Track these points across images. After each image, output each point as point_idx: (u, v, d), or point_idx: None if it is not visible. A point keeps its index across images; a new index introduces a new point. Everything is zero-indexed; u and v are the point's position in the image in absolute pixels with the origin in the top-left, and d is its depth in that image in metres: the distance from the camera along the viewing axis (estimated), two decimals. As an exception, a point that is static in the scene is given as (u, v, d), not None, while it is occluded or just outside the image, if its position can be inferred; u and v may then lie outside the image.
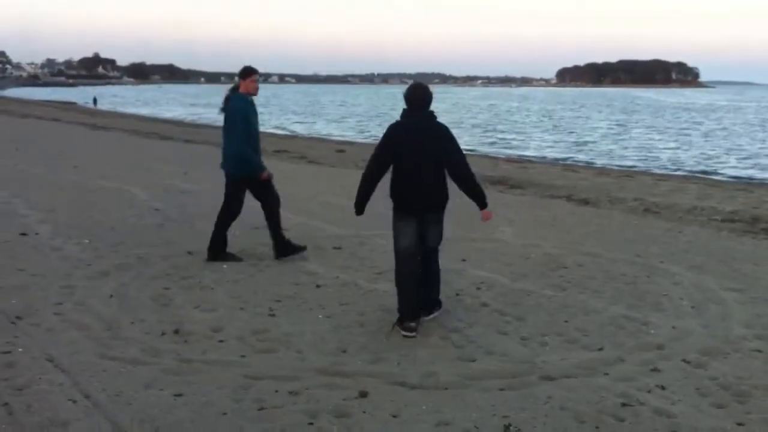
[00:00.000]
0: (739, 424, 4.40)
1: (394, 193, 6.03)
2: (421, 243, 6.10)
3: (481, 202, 6.22)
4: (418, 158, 5.89)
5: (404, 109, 6.07)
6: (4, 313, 6.17)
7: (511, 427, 4.27)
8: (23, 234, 9.28)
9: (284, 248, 8.26)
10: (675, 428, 4.32)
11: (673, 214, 12.39)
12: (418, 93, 6.01)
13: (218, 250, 8.20)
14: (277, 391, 4.71)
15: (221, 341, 5.66)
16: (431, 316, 6.26)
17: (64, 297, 6.66)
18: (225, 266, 7.92)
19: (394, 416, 4.41)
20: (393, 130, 6.03)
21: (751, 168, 25.54)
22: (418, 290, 6.05)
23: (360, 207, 6.14)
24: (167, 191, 13.25)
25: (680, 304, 6.86)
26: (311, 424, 4.29)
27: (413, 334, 5.82)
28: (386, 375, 5.03)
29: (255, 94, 7.99)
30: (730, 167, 25.61)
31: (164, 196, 12.71)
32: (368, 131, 43.29)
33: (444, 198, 6.13)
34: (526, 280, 7.60)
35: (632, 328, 6.13)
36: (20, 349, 5.37)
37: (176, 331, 5.82)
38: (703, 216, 12.31)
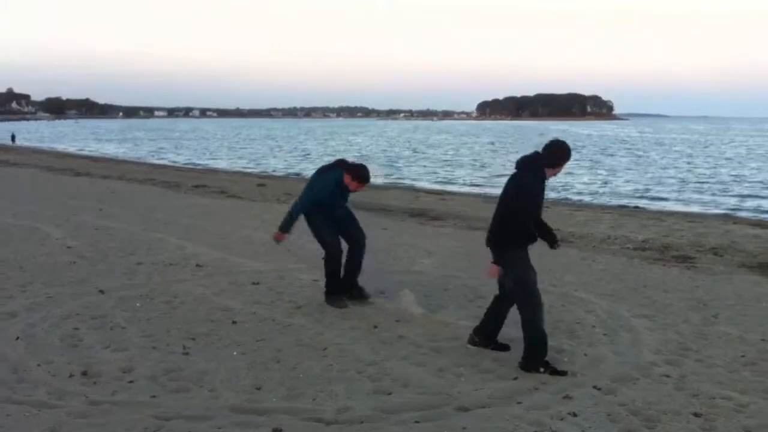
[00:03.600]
0: (648, 449, 4.50)
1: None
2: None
3: (494, 254, 6.00)
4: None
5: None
6: None
7: (425, 460, 4.27)
8: (-75, 276, 8.90)
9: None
10: (586, 455, 4.38)
11: (587, 243, 12.69)
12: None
13: (335, 292, 7.96)
14: (188, 432, 4.61)
15: (131, 381, 5.51)
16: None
17: (-34, 340, 6.40)
18: (138, 304, 7.73)
19: (308, 453, 4.35)
20: None
21: (663, 197, 26.41)
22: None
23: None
24: (80, 228, 12.92)
25: (593, 332, 7.00)
26: (223, 464, 4.20)
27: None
28: (301, 411, 4.98)
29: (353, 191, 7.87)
30: (645, 197, 26.39)
31: (77, 233, 12.39)
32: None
33: (502, 238, 5.94)
34: (444, 312, 7.65)
35: (547, 356, 6.21)
36: None
37: (84, 373, 5.64)
38: (616, 245, 12.64)
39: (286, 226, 7.71)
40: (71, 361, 5.93)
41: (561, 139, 6.19)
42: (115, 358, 6.04)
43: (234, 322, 7.17)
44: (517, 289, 5.99)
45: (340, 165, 7.84)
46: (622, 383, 5.62)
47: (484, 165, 44.01)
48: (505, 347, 6.33)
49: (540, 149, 6.02)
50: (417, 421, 4.83)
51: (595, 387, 5.52)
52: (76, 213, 15.03)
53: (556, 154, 6.00)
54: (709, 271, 10.34)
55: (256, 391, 5.36)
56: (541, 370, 5.85)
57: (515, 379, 5.70)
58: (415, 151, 61.79)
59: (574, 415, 4.98)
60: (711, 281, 9.56)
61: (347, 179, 7.70)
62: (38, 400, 5.11)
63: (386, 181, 31.57)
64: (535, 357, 5.91)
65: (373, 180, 8.09)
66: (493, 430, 4.68)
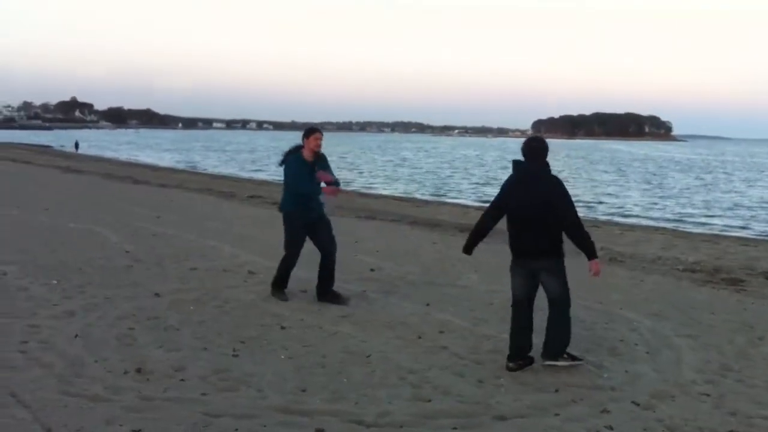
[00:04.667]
0: (681, 464, 4.57)
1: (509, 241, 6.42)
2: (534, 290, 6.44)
3: (589, 253, 6.26)
4: (526, 208, 6.20)
5: (515, 161, 6.46)
6: (-32, 351, 6.22)
7: (460, 464, 4.41)
8: (-9, 274, 9.32)
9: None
10: (619, 466, 4.48)
11: (637, 263, 12.67)
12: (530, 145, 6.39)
13: (279, 288, 8.75)
14: (236, 429, 4.81)
15: (182, 380, 5.75)
16: (552, 362, 6.41)
17: (28, 336, 6.72)
18: (192, 308, 8.01)
19: (348, 453, 4.52)
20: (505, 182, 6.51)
21: (719, 219, 26.09)
22: (526, 335, 6.41)
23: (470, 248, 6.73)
24: (138, 234, 13.32)
25: (635, 349, 7.05)
26: (266, 459, 4.39)
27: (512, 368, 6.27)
28: (343, 413, 5.15)
29: (315, 150, 8.38)
30: (699, 219, 26.08)
31: (135, 238, 12.78)
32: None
33: (553, 247, 6.26)
34: (487, 325, 7.76)
35: (587, 372, 6.30)
36: (-17, 385, 5.43)
37: (138, 370, 5.90)
38: (666, 266, 12.59)
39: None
40: (126, 358, 6.20)
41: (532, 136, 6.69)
42: (167, 357, 6.30)
43: (282, 328, 7.39)
44: (565, 291, 6.36)
45: (292, 150, 8.51)
46: (661, 400, 5.67)
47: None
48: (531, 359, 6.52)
49: (528, 150, 6.37)
50: (455, 428, 4.97)
51: (633, 402, 5.59)
52: (135, 219, 15.48)
53: (545, 147, 6.40)
54: (759, 294, 10.27)
55: (301, 394, 5.55)
56: (565, 356, 6.37)
57: (556, 391, 5.79)
58: (466, 170, 61.71)
59: (611, 428, 5.06)
60: (759, 305, 9.51)
61: (304, 148, 8.38)
62: (94, 393, 5.37)
63: (436, 197, 31.77)
64: (564, 348, 6.40)
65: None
66: (529, 439, 4.80)
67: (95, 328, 7.12)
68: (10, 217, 15.07)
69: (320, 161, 8.45)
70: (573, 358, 6.43)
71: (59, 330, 6.96)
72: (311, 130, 8.46)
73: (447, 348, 6.89)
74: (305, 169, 8.32)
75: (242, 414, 5.07)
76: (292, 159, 8.40)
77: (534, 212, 6.16)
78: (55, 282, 8.98)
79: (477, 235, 6.62)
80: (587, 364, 6.46)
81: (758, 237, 21.15)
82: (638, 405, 5.54)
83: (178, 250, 11.70)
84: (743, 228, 23.75)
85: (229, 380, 5.78)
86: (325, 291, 8.65)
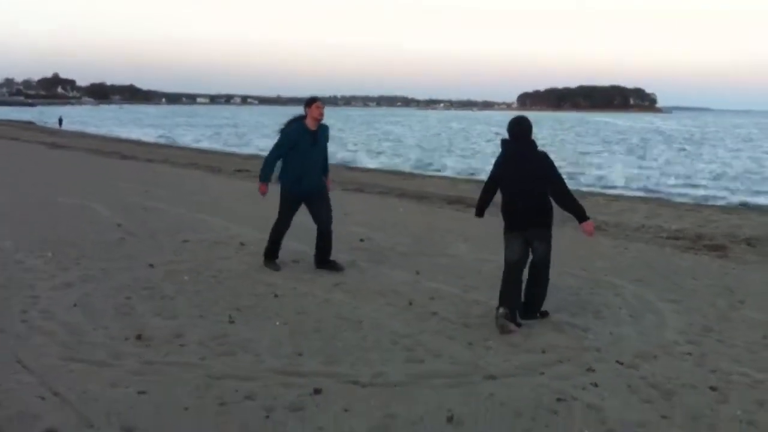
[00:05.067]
0: (663, 417, 4.79)
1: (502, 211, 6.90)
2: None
3: (580, 216, 6.77)
4: (518, 183, 6.70)
5: (503, 140, 6.91)
6: (-30, 321, 6.37)
7: (453, 419, 4.62)
8: (-15, 248, 9.44)
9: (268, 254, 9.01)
10: (604, 420, 4.70)
11: (621, 231, 12.91)
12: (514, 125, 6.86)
13: (271, 258, 8.95)
14: (236, 390, 5.00)
15: (182, 345, 5.93)
16: (529, 320, 6.87)
17: (28, 306, 6.87)
18: (186, 278, 8.17)
19: (346, 410, 4.72)
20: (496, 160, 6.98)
21: (703, 189, 26.42)
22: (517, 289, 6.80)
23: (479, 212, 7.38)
24: (128, 208, 13.43)
25: (619, 313, 7.27)
26: (268, 417, 4.59)
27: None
28: (339, 375, 5.35)
29: (317, 119, 8.49)
30: (682, 189, 26.38)
31: (126, 212, 12.89)
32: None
33: (544, 217, 6.76)
34: (477, 292, 7.96)
35: (573, 334, 6.53)
36: (-12, 352, 5.60)
37: (138, 337, 6.07)
38: (650, 234, 12.83)
39: (264, 176, 8.69)
40: (125, 326, 6.37)
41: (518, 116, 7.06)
42: (165, 324, 6.47)
43: (276, 296, 7.56)
44: (549, 255, 6.88)
45: (296, 119, 8.66)
46: (644, 359, 5.89)
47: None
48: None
49: (514, 131, 6.84)
50: (447, 387, 5.18)
51: (617, 362, 5.81)
52: (124, 194, 15.58)
53: (529, 127, 6.86)
54: (741, 260, 10.51)
55: (298, 357, 5.74)
56: (538, 315, 6.94)
57: (543, 352, 6.00)
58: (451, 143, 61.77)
59: (596, 385, 5.28)
60: (741, 270, 9.75)
61: (307, 117, 8.50)
62: (98, 359, 5.54)
63: (423, 170, 31.96)
64: (539, 308, 6.97)
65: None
66: (518, 397, 5.01)
67: (93, 298, 7.27)
68: (-1, 193, 15.13)
69: (322, 131, 8.60)
70: (543, 314, 6.99)
71: (58, 300, 7.11)
72: (312, 99, 8.55)
73: (437, 314, 7.08)
74: (306, 137, 8.44)
75: (242, 376, 5.25)
76: (293, 127, 8.53)
77: (525, 186, 6.66)
78: (50, 255, 9.11)
79: (482, 203, 7.23)
80: (574, 328, 6.68)
81: (741, 206, 21.46)
82: (622, 364, 5.76)
83: (168, 224, 11.82)
84: (726, 197, 24.05)
85: (227, 345, 5.96)
86: (323, 260, 8.85)
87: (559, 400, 4.98)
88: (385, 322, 6.77)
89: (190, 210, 13.49)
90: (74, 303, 7.03)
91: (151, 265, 8.72)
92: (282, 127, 8.67)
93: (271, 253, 8.95)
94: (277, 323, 6.64)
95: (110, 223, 11.74)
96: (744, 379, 5.53)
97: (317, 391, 5.00)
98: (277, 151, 8.53)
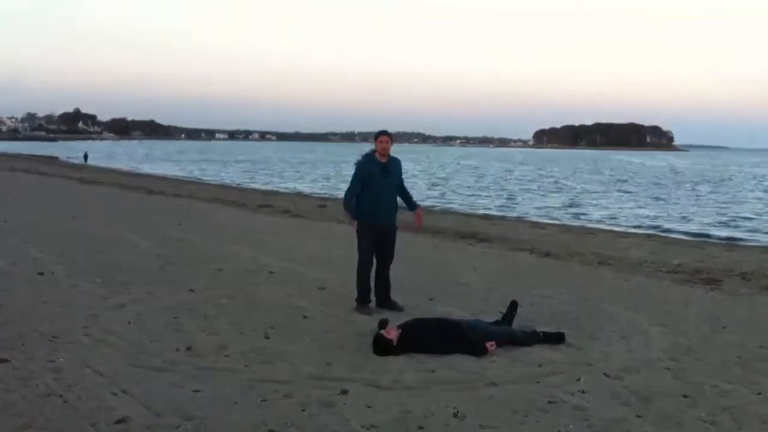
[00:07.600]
0: (638, 416, 5.66)
1: None
2: None
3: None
4: None
5: None
6: (41, 334, 7.35)
7: (458, 414, 5.52)
8: (41, 273, 10.46)
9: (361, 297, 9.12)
10: (587, 418, 5.57)
11: (624, 265, 13.74)
12: None
13: (363, 302, 9.07)
14: (276, 390, 5.93)
15: (227, 355, 6.88)
16: None
17: (89, 323, 7.85)
18: (224, 301, 9.12)
19: (369, 406, 5.64)
20: None
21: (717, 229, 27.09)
22: None
23: None
24: (164, 239, 14.47)
25: (611, 335, 8.13)
26: (304, 411, 5.52)
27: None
28: (363, 380, 6.27)
29: (383, 153, 8.87)
30: (682, 223, 27.17)
31: (162, 243, 13.92)
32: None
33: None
34: (483, 315, 8.82)
35: (568, 352, 7.39)
36: (62, 359, 6.56)
37: (189, 348, 7.02)
38: (651, 268, 13.66)
39: (349, 211, 9.00)
40: (176, 340, 7.32)
41: None
42: (211, 339, 7.42)
43: (305, 317, 8.50)
44: None
45: (369, 153, 9.02)
46: (629, 372, 6.75)
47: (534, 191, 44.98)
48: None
49: None
50: (454, 390, 6.08)
51: (605, 374, 6.67)
52: (158, 227, 16.64)
53: None
54: (733, 292, 11.28)
55: (327, 366, 6.66)
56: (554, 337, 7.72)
57: (540, 366, 6.88)
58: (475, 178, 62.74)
59: (583, 392, 6.16)
60: (731, 300, 10.54)
61: (377, 150, 8.84)
62: (156, 365, 6.50)
63: (440, 206, 32.91)
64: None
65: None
66: (514, 399, 5.90)
67: (144, 317, 8.23)
68: (43, 224, 16.24)
69: (393, 163, 8.98)
70: (559, 337, 7.77)
71: (115, 318, 8.09)
72: (379, 133, 8.91)
73: (449, 333, 7.97)
74: (376, 168, 8.81)
75: (280, 380, 6.18)
76: (363, 158, 8.93)
77: None
78: (99, 281, 10.10)
79: None
80: (570, 347, 7.54)
81: (744, 243, 22.14)
82: (608, 376, 6.62)
83: (203, 254, 12.82)
84: (733, 236, 24.62)
85: (265, 356, 6.90)
86: (385, 299, 9.15)
87: (550, 402, 5.86)
88: (402, 339, 7.66)
89: (222, 242, 14.50)
90: (129, 321, 8.00)
91: (192, 290, 9.69)
92: (357, 159, 9.03)
93: (363, 298, 9.04)
94: (307, 339, 7.56)
95: (150, 252, 12.76)
96: (714, 390, 6.37)
97: (344, 392, 5.92)
98: (353, 184, 8.89)
